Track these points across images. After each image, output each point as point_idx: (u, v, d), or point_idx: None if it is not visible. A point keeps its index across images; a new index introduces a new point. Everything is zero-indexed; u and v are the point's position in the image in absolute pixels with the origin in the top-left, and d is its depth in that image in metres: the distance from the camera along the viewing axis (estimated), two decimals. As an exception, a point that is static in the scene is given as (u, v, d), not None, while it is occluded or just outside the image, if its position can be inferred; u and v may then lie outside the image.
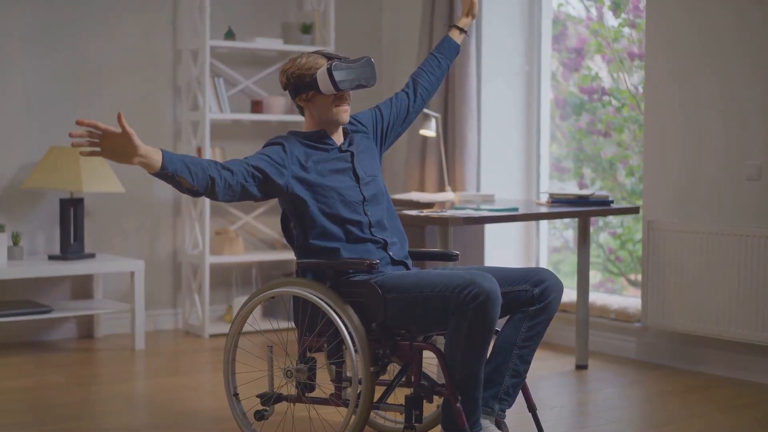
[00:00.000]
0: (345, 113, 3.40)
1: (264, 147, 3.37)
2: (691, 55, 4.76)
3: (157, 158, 2.99)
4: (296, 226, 3.40)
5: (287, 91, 3.45)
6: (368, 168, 3.47)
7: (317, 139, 3.42)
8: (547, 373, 4.74)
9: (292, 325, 3.53)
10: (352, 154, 3.44)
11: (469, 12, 3.83)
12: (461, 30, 3.82)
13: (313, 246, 3.35)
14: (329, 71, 3.29)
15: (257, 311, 5.75)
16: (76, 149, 5.11)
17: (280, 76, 3.43)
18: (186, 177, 3.05)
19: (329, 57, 3.38)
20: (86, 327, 5.57)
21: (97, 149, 2.94)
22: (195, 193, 3.12)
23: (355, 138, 3.50)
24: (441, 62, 3.76)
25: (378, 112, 3.63)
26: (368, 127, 3.58)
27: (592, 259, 5.46)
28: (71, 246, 5.22)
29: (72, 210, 5.22)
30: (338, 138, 3.46)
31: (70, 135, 2.90)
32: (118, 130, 2.93)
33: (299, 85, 3.38)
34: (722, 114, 4.65)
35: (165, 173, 3.02)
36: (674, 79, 4.83)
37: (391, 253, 3.41)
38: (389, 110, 3.64)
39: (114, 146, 2.94)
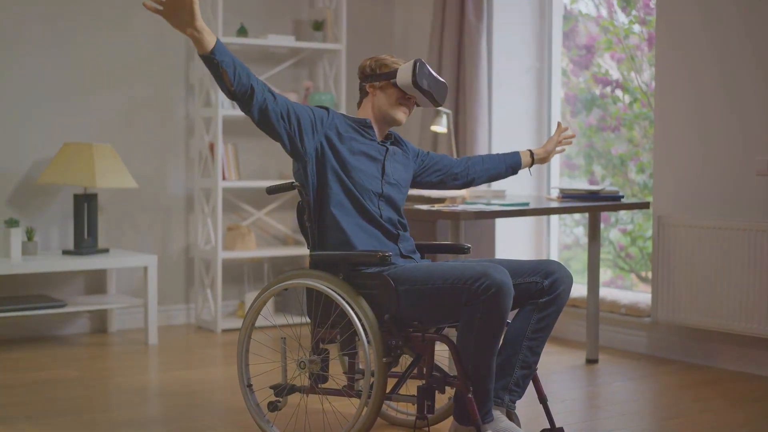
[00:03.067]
0: (403, 115, 3.51)
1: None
2: (701, 51, 4.77)
3: (210, 40, 3.08)
4: (309, 193, 3.38)
5: (360, 77, 3.54)
6: (396, 173, 3.53)
7: (360, 125, 3.49)
8: (557, 367, 4.76)
9: (304, 319, 3.55)
10: (388, 150, 3.50)
11: (545, 146, 3.98)
12: (531, 154, 3.94)
13: (330, 217, 3.36)
14: (415, 64, 3.40)
15: (270, 305, 5.78)
16: (89, 146, 5.15)
17: (363, 61, 3.55)
18: (229, 73, 3.13)
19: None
20: (99, 322, 5.61)
21: (160, 7, 3.04)
22: (232, 95, 3.18)
23: (393, 148, 3.57)
24: (498, 162, 3.88)
25: (423, 151, 3.76)
26: (410, 151, 3.68)
27: (602, 256, 5.48)
28: (85, 241, 5.25)
29: (86, 205, 5.26)
30: (380, 137, 3.54)
31: None
32: None
33: (378, 73, 3.49)
34: (732, 110, 4.66)
35: (212, 58, 3.09)
36: (684, 76, 4.84)
37: (400, 246, 3.44)
38: (433, 155, 3.76)
39: (176, 10, 3.03)
